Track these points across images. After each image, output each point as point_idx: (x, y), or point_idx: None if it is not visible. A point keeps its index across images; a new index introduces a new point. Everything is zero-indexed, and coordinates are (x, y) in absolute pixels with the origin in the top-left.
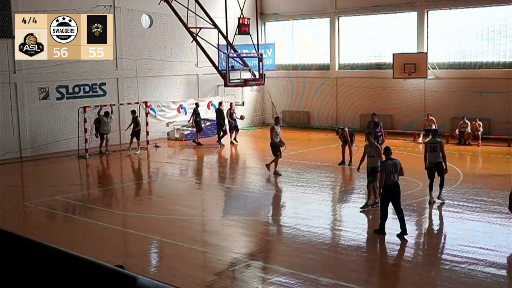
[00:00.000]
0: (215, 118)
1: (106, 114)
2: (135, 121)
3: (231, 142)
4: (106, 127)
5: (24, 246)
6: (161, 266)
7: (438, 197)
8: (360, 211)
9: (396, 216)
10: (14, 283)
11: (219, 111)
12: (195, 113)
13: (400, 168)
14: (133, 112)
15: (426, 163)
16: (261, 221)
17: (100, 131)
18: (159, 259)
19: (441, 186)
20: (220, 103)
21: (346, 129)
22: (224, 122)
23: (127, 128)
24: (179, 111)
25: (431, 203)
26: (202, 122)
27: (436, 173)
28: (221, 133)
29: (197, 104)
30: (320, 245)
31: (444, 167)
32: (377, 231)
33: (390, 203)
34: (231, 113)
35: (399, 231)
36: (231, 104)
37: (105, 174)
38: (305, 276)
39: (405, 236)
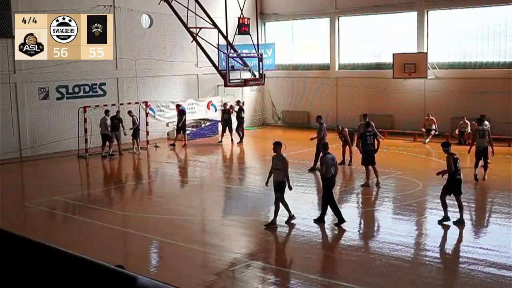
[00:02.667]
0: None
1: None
2: (132, 120)
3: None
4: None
5: (24, 246)
6: (161, 266)
7: (483, 178)
8: (265, 229)
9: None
10: (14, 283)
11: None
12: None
13: (336, 162)
14: (129, 112)
15: (474, 148)
16: (261, 221)
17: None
18: (159, 259)
19: (485, 168)
20: (229, 104)
21: (346, 130)
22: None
23: (131, 129)
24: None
25: (476, 180)
26: (202, 123)
27: (482, 157)
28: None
29: (178, 105)
30: (320, 245)
31: (492, 150)
32: (317, 220)
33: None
34: (230, 112)
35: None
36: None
37: (105, 174)
38: (305, 276)
39: (342, 225)
